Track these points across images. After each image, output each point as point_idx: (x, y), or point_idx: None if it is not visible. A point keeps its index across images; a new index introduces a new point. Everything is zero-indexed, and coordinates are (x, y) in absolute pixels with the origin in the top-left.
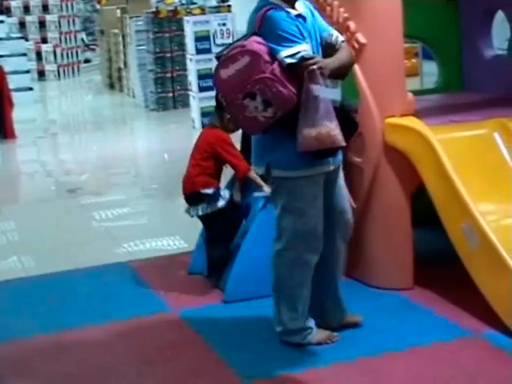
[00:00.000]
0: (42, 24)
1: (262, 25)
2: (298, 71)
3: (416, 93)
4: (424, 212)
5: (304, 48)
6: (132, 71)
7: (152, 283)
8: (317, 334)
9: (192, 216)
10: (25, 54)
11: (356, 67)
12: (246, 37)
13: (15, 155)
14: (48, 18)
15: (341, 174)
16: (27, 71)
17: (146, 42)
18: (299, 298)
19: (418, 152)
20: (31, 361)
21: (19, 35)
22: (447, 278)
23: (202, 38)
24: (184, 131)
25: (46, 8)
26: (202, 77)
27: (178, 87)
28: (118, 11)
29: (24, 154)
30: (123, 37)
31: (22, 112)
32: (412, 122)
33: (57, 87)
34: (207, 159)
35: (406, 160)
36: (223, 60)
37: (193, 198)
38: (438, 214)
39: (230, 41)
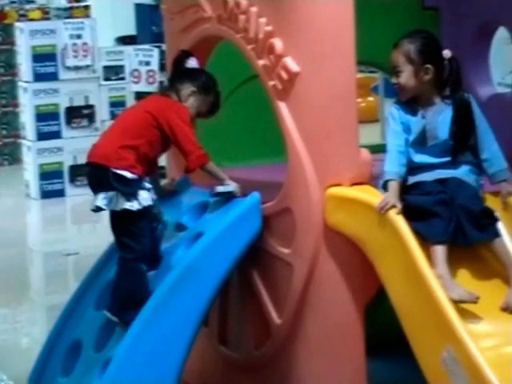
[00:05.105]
0: None
1: None
2: None
3: (375, 149)
4: (382, 331)
5: None
6: None
7: None
8: None
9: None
10: None
11: (283, 108)
12: None
13: None
14: None
15: None
16: None
17: None
18: None
19: (377, 240)
20: None
21: None
22: None
23: (43, 57)
24: (12, 202)
25: None
26: (41, 117)
27: (4, 132)
28: None
29: None
30: None
31: None
32: (368, 193)
33: None
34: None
35: (357, 252)
36: None
37: (98, 175)
38: (406, 334)
39: (88, 61)
